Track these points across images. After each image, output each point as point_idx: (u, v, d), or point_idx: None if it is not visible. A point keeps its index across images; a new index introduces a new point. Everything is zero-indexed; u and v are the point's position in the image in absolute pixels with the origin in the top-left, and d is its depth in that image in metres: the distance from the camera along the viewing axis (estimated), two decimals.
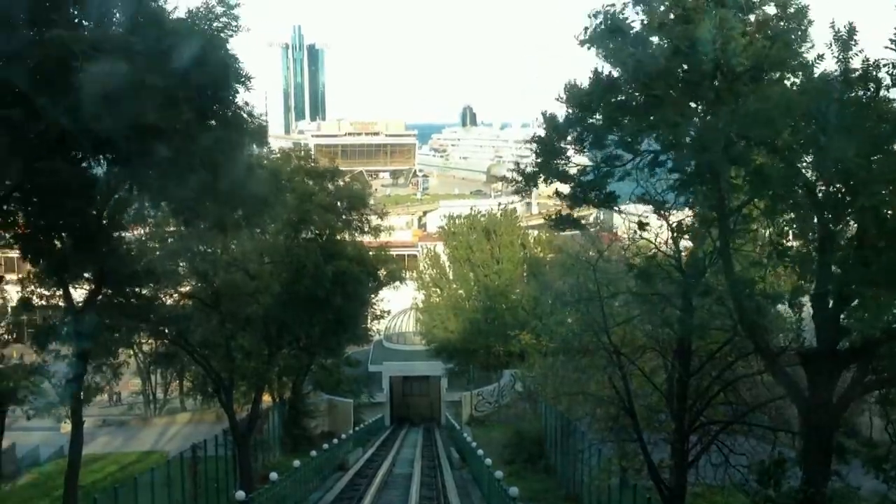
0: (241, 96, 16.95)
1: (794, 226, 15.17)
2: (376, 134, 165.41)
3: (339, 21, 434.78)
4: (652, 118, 13.97)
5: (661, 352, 19.60)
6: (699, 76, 13.11)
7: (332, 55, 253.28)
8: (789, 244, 15.42)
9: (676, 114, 13.29)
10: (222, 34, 16.09)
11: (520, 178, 16.93)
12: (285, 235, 31.58)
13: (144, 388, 50.71)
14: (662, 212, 17.14)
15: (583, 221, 20.59)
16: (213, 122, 16.75)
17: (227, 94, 16.60)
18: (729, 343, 18.16)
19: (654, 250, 17.95)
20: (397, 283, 44.24)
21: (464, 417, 51.03)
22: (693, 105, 14.09)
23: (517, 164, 17.39)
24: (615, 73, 14.79)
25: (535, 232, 66.99)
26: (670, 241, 17.56)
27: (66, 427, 26.79)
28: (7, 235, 17.49)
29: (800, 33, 13.48)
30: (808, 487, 14.43)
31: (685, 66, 13.34)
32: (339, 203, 35.04)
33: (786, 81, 13.95)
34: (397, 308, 61.32)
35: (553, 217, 17.87)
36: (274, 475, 24.17)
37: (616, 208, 16.81)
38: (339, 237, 35.27)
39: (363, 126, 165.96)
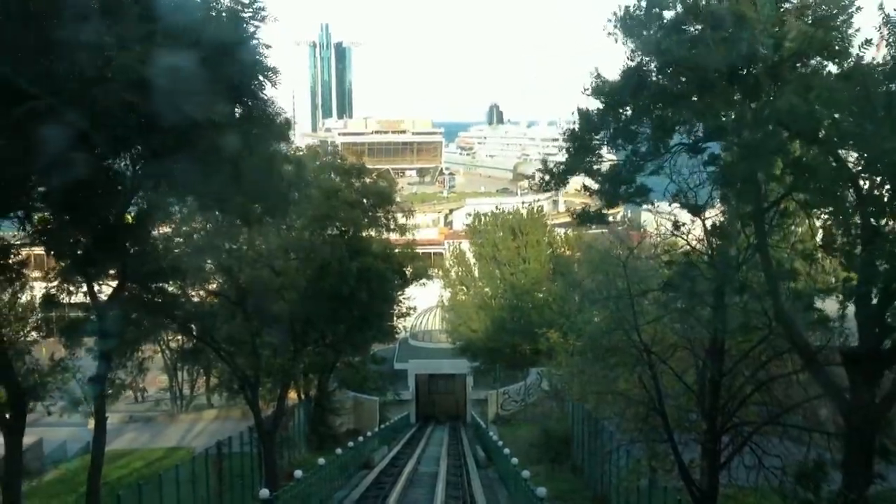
0: (267, 90, 16.75)
1: (836, 220, 14.61)
2: (403, 132, 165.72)
3: (367, 19, 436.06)
4: (690, 106, 13.50)
5: (693, 350, 19.16)
6: (739, 62, 12.61)
7: (360, 53, 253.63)
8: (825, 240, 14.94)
9: (717, 101, 12.79)
10: (249, 25, 15.85)
11: (548, 177, 16.56)
12: (311, 232, 31.44)
13: (171, 385, 50.87)
14: (695, 208, 16.67)
15: (610, 219, 20.20)
16: (239, 115, 16.54)
17: (253, 87, 16.37)
18: (763, 342, 17.68)
19: (685, 246, 17.53)
20: (423, 280, 43.98)
21: (489, 416, 50.75)
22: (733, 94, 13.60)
23: (544, 161, 17.09)
24: (647, 64, 14.41)
25: (562, 230, 66.60)
26: (703, 238, 17.13)
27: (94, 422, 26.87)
28: (29, 230, 17.33)
29: (844, 17, 12.95)
30: (848, 491, 13.93)
31: (724, 52, 12.85)
32: (364, 200, 34.85)
33: (830, 68, 13.44)
34: (423, 306, 61.23)
35: (579, 213, 17.46)
36: (299, 473, 23.99)
37: (647, 203, 16.32)
38: (364, 234, 35.10)
39: (390, 124, 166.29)
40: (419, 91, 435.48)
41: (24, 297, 26.03)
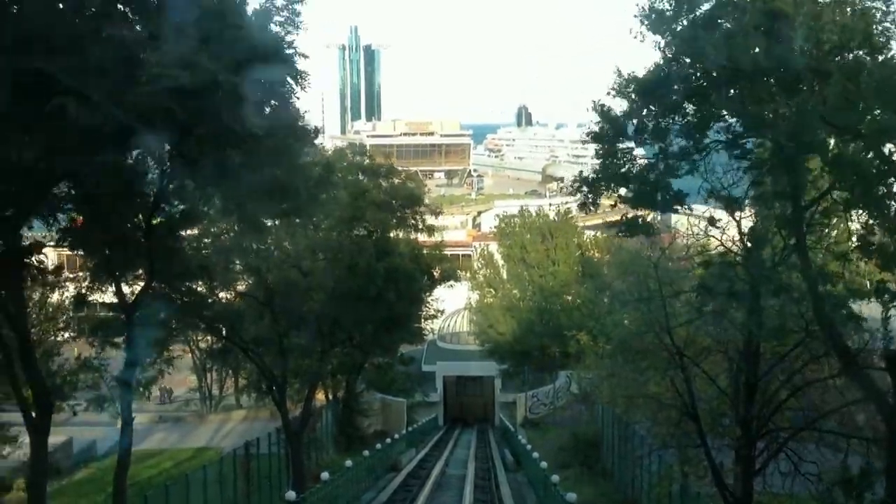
0: (297, 94, 16.66)
1: (879, 219, 14.13)
2: (431, 134, 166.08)
3: (396, 22, 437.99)
4: (725, 102, 13.13)
5: (727, 354, 18.75)
6: (777, 56, 12.22)
7: (388, 56, 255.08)
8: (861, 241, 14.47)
9: (754, 96, 12.42)
10: (282, 29, 15.78)
11: (584, 188, 15.83)
12: (338, 232, 31.37)
13: (200, 385, 51.16)
14: (730, 205, 16.25)
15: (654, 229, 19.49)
16: (269, 118, 16.44)
17: (284, 91, 16.27)
18: (800, 345, 17.25)
19: (719, 247, 17.12)
20: (451, 282, 43.78)
21: (518, 419, 50.42)
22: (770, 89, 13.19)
23: (580, 174, 16.18)
24: (679, 60, 14.08)
25: (591, 233, 66.16)
26: (737, 238, 16.72)
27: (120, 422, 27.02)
28: (56, 230, 17.37)
29: (886, 9, 12.50)
30: (891, 499, 13.49)
31: (761, 47, 12.47)
32: (393, 201, 34.73)
33: (872, 62, 12.97)
34: (451, 308, 60.99)
35: (624, 223, 16.69)
36: (326, 475, 23.92)
37: (684, 209, 15.77)
38: (392, 235, 34.99)
39: (418, 126, 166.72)
40: (447, 93, 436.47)
41: (55, 297, 26.31)
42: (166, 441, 41.87)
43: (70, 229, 17.34)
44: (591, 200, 15.87)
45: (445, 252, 44.83)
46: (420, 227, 36.08)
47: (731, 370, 18.72)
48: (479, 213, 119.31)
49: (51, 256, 24.87)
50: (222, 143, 14.63)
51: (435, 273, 40.48)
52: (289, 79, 15.82)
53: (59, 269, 21.61)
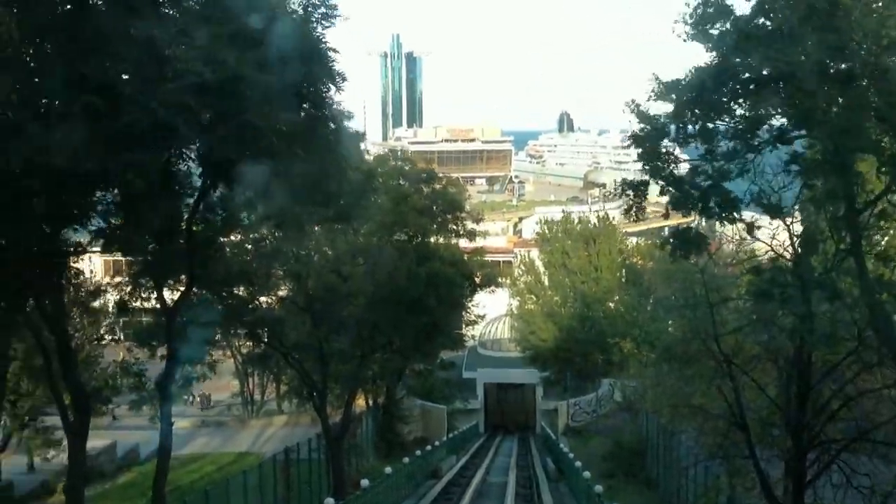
0: (335, 95, 16.46)
1: None
2: (472, 140, 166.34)
3: (437, 29, 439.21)
4: (775, 101, 12.68)
5: (777, 362, 18.23)
6: (831, 52, 11.77)
7: (430, 63, 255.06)
8: None
9: (806, 94, 11.96)
10: (319, 25, 15.57)
11: (629, 192, 15.41)
12: (378, 237, 31.30)
13: (242, 390, 51.45)
14: (779, 210, 15.74)
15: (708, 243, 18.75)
16: (305, 118, 16.27)
17: (321, 91, 16.11)
18: (853, 354, 16.68)
19: (768, 252, 16.62)
20: (492, 287, 43.46)
21: (559, 427, 49.89)
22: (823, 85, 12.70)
23: (625, 180, 15.77)
24: (725, 59, 13.68)
25: (633, 239, 65.52)
26: (787, 243, 16.21)
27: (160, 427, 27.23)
28: (93, 235, 17.39)
29: None
30: None
31: (814, 43, 12.01)
32: (433, 206, 34.58)
33: None
34: (492, 314, 60.67)
35: (675, 236, 15.98)
36: (365, 482, 23.75)
37: (737, 213, 15.18)
38: (432, 240, 34.83)
39: (459, 133, 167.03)
40: (489, 99, 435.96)
41: (98, 303, 26.58)
42: (208, 445, 42.17)
43: (107, 232, 17.25)
44: (636, 205, 15.35)
45: (486, 258, 44.55)
46: (461, 232, 35.89)
47: (781, 379, 18.28)
48: (520, 219, 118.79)
49: (95, 262, 25.24)
50: (246, 141, 14.41)
51: (476, 278, 40.23)
52: (325, 77, 15.57)
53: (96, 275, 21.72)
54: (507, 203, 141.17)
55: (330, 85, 16.09)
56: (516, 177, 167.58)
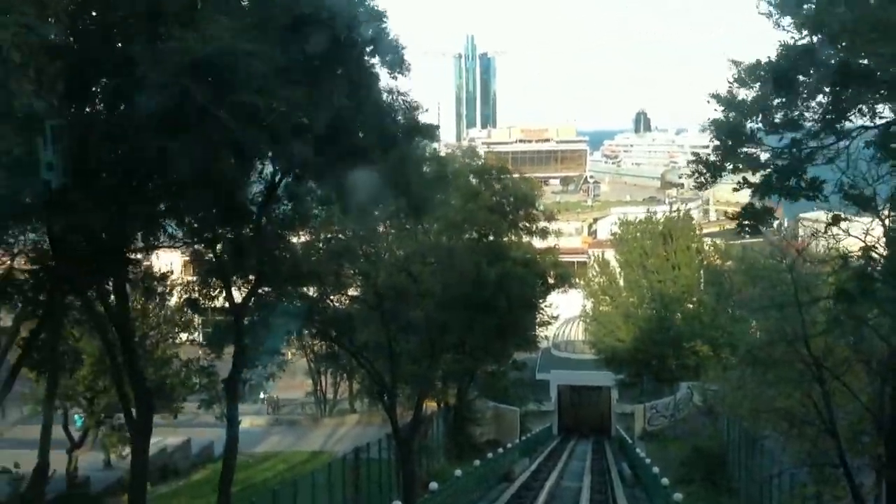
0: (399, 85, 16.01)
1: None
2: (547, 140, 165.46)
3: (511, 29, 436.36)
4: (869, 84, 11.76)
5: (870, 365, 17.15)
6: None
7: (504, 63, 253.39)
8: None
9: None
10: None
11: (703, 168, 15.11)
12: (448, 236, 30.88)
13: (315, 389, 51.83)
14: (872, 205, 14.76)
15: (774, 220, 18.16)
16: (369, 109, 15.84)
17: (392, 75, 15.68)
18: None
19: (860, 248, 15.56)
20: (566, 287, 42.62)
21: (636, 431, 48.72)
22: None
23: (697, 154, 15.72)
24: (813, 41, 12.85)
25: (711, 240, 63.85)
26: (882, 239, 15.14)
27: (243, 423, 27.41)
28: (162, 233, 17.38)
29: None
30: None
31: None
32: (504, 202, 34.00)
33: None
34: (565, 315, 59.78)
35: (742, 210, 15.53)
36: (434, 485, 23.36)
37: (819, 198, 14.38)
38: (504, 239, 34.24)
39: (533, 133, 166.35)
40: (563, 99, 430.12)
41: (173, 301, 26.85)
42: (281, 444, 42.57)
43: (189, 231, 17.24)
44: (707, 176, 14.93)
45: (559, 258, 43.74)
46: (533, 230, 35.19)
47: (874, 383, 17.31)
48: (595, 220, 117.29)
49: (175, 261, 25.53)
50: (317, 136, 14.09)
51: (549, 278, 39.45)
52: (380, 63, 15.14)
53: (165, 274, 21.76)
54: (582, 203, 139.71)
55: (390, 70, 15.66)
56: (591, 177, 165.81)
